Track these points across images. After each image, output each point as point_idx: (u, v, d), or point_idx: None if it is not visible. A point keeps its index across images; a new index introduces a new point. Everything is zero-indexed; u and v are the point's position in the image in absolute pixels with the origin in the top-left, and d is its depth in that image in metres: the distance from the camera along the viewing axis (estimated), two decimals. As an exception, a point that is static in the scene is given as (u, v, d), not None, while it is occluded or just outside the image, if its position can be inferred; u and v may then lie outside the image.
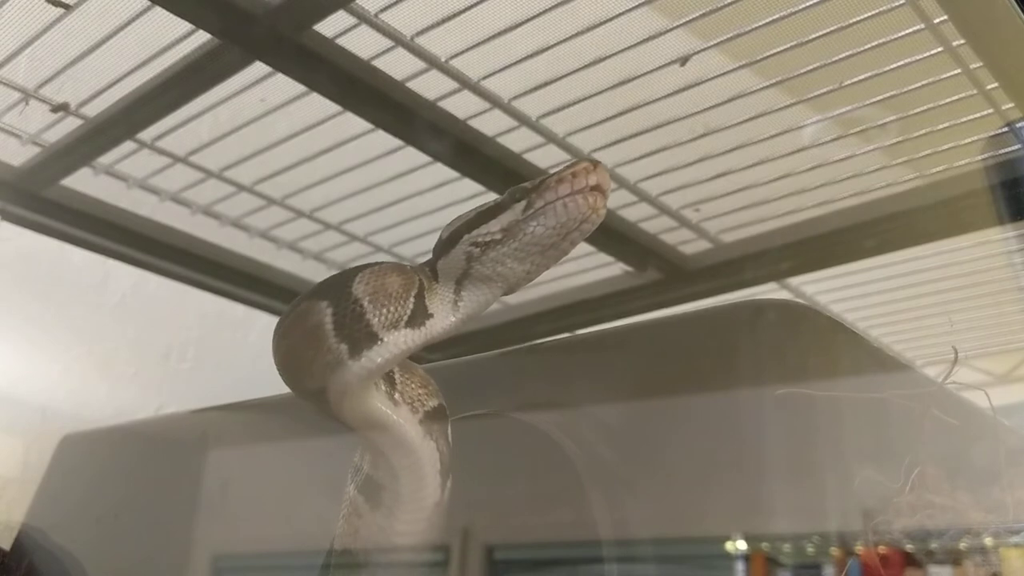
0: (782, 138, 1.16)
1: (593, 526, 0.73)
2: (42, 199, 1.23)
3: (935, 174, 1.19)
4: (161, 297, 1.48)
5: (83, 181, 1.26)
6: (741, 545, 0.69)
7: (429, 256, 0.84)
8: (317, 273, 1.50)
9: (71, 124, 1.17)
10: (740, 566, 0.69)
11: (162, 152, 1.22)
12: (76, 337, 1.47)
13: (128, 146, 1.21)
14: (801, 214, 1.28)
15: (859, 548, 0.67)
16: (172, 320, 1.54)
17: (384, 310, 0.78)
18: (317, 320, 0.78)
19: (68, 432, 1.14)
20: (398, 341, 0.77)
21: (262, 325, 1.54)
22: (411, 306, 0.79)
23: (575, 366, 0.85)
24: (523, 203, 0.77)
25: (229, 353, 1.56)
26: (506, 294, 0.83)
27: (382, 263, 0.83)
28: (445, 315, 0.80)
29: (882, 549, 0.67)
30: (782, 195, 1.26)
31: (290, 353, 0.82)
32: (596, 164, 0.76)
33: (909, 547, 0.68)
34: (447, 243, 0.81)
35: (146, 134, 1.19)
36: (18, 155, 1.23)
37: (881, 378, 0.68)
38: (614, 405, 0.76)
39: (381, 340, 0.77)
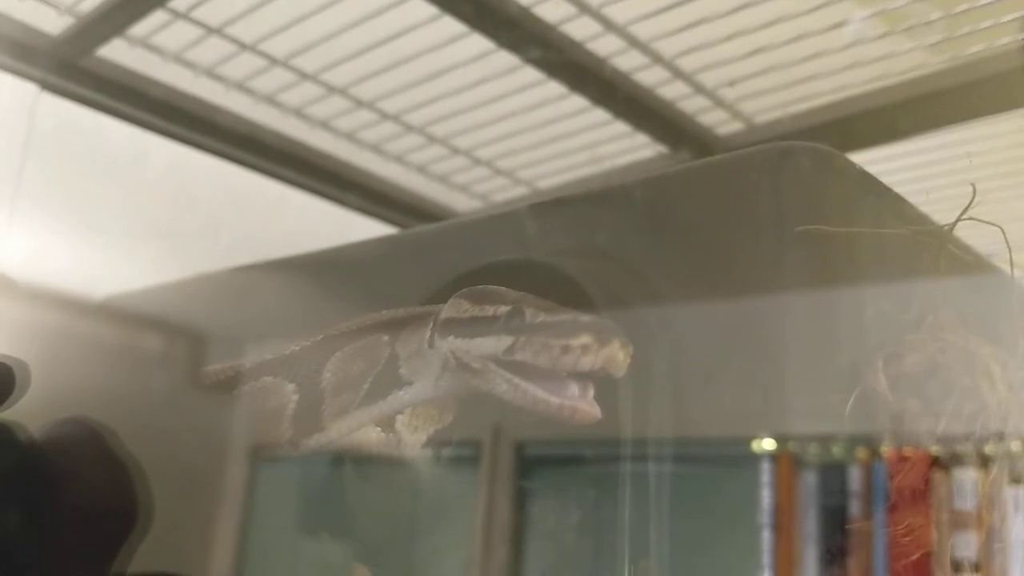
0: (821, 14, 1.14)
1: (618, 419, 0.73)
2: (79, 68, 1.24)
3: (975, 53, 1.16)
4: (197, 174, 1.49)
5: (119, 52, 1.27)
6: (768, 445, 0.69)
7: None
8: (350, 152, 1.51)
9: (104, -7, 1.18)
10: (766, 466, 0.69)
11: (196, 23, 1.22)
12: (114, 214, 1.49)
13: (162, 17, 1.21)
14: (837, 94, 1.27)
15: (885, 449, 0.68)
16: (208, 198, 1.55)
17: (336, 400, 0.75)
18: (279, 404, 0.75)
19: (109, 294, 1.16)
20: (342, 427, 0.75)
21: (296, 204, 1.56)
22: (367, 386, 0.75)
23: (595, 218, 0.81)
24: (509, 340, 0.67)
25: (263, 231, 1.57)
26: None
27: (353, 336, 0.77)
28: (422, 386, 0.75)
29: (907, 451, 0.68)
30: (818, 74, 1.24)
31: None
32: (604, 344, 0.63)
33: (935, 449, 0.69)
34: (440, 328, 0.74)
35: (180, 3, 1.19)
36: (56, 26, 1.24)
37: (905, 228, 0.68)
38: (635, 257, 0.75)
39: (326, 429, 0.74)
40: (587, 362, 0.62)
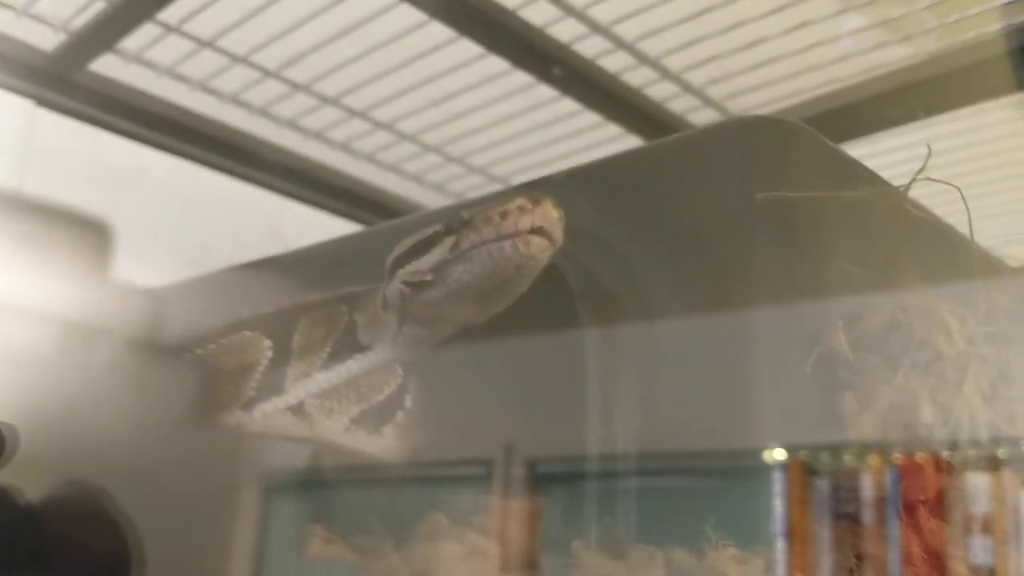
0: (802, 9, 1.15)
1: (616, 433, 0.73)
2: (74, 84, 1.26)
3: (961, 42, 1.17)
4: (196, 186, 1.51)
5: (113, 67, 1.29)
6: (779, 455, 0.69)
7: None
8: (347, 163, 1.53)
9: (96, 9, 1.20)
10: (778, 475, 0.69)
11: (188, 36, 1.24)
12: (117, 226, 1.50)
13: (154, 31, 1.23)
14: (821, 89, 1.27)
15: (897, 456, 0.68)
16: (208, 209, 1.57)
17: (301, 362, 0.77)
18: (254, 358, 0.78)
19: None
20: (299, 391, 0.78)
21: (295, 215, 1.58)
22: (327, 351, 0.77)
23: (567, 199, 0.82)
24: (452, 239, 0.70)
25: (264, 243, 1.58)
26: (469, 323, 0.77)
27: (317, 305, 0.80)
28: (380, 349, 0.76)
29: (920, 457, 0.68)
30: (802, 69, 1.25)
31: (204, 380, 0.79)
32: (537, 203, 0.67)
33: (946, 455, 0.68)
34: (388, 273, 0.76)
35: (171, 16, 1.20)
36: (50, 42, 1.26)
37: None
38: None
39: (286, 391, 0.77)
40: (526, 221, 0.66)
